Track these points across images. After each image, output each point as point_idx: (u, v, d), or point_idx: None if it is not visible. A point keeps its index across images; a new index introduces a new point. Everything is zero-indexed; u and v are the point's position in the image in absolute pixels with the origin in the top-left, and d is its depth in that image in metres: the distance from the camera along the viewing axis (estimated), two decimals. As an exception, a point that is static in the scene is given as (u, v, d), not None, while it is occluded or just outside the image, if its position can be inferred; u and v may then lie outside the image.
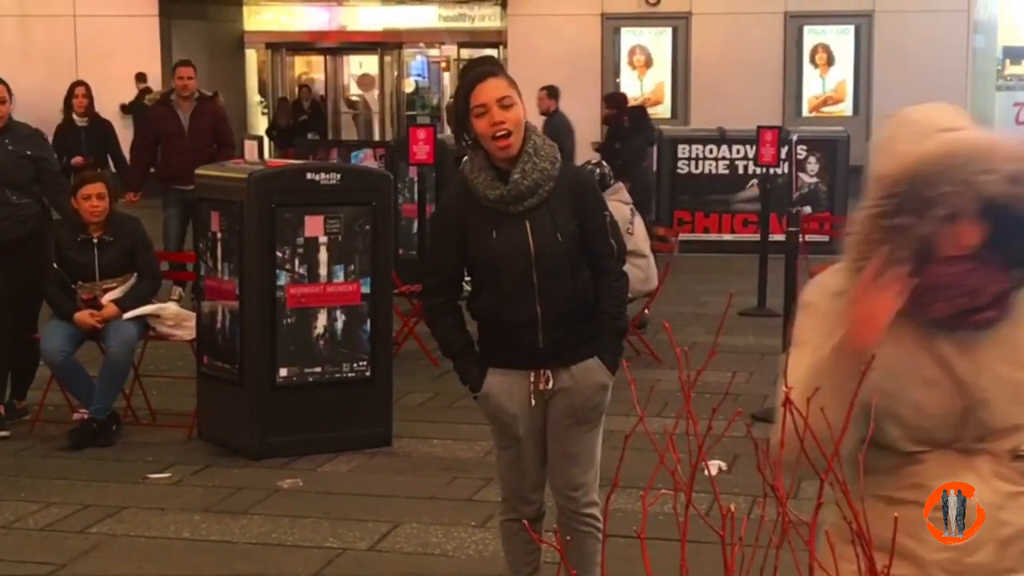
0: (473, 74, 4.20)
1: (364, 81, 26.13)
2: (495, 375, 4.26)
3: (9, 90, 7.76)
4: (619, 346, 4.29)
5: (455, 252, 4.24)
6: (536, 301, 4.15)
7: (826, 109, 22.21)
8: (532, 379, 4.24)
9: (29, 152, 7.69)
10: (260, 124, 25.24)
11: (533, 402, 4.26)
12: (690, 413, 1.70)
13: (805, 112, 22.13)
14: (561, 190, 4.19)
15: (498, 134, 4.10)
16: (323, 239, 6.97)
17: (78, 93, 11.77)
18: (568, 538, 4.31)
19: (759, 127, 12.69)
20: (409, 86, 26.32)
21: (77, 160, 10.94)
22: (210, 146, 11.18)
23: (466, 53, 26.31)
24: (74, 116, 11.91)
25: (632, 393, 2.11)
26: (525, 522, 4.26)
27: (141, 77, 21.41)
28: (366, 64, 26.59)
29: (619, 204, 8.61)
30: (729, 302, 4.51)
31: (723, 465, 6.59)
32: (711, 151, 15.70)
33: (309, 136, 20.82)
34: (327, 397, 7.02)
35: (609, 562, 3.44)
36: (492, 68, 4.24)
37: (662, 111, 22.37)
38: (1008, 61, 22.69)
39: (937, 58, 21.77)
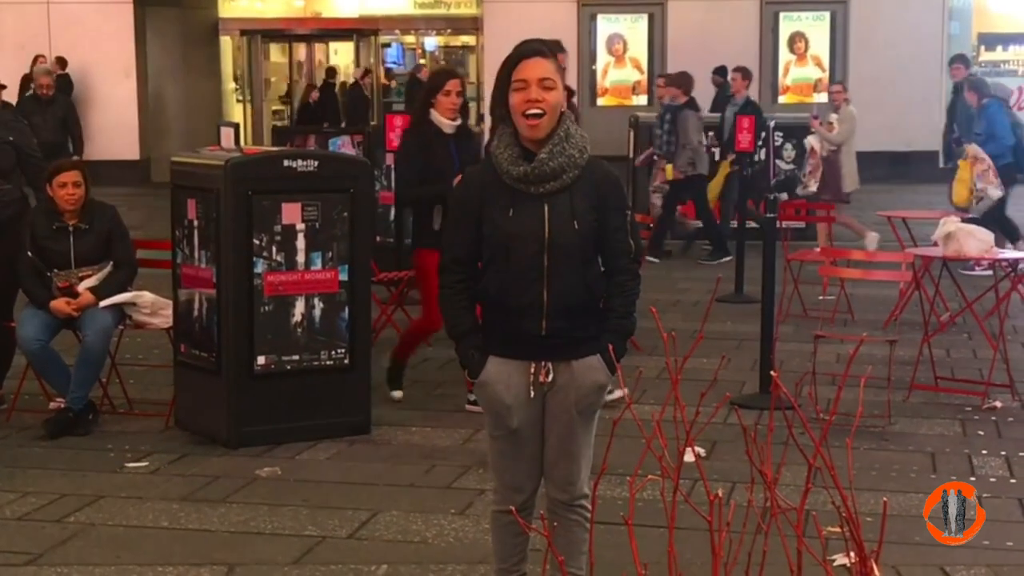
0: (522, 49, 4.18)
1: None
2: (495, 363, 4.20)
3: None
4: (622, 346, 4.21)
5: (473, 228, 4.18)
6: (544, 286, 4.10)
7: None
8: (532, 370, 4.19)
9: (11, 139, 7.68)
10: (235, 111, 25.13)
11: (532, 394, 4.20)
12: (678, 399, 1.70)
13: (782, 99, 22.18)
14: (586, 181, 4.15)
15: (530, 111, 4.08)
16: (300, 226, 6.94)
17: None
18: (556, 525, 4.29)
19: (736, 113, 12.68)
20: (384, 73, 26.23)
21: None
22: None
23: (442, 40, 26.31)
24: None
25: (619, 378, 2.11)
26: (512, 508, 4.23)
27: (60, 61, 20.86)
28: (341, 51, 26.50)
29: None
30: (716, 286, 4.49)
31: (702, 452, 6.60)
32: (688, 138, 15.66)
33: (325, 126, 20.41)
34: (305, 385, 6.99)
35: (595, 549, 3.42)
36: (542, 48, 4.19)
37: (638, 99, 22.41)
38: (983, 47, 22.75)
39: (912, 45, 21.82)
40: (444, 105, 7.44)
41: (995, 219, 11.86)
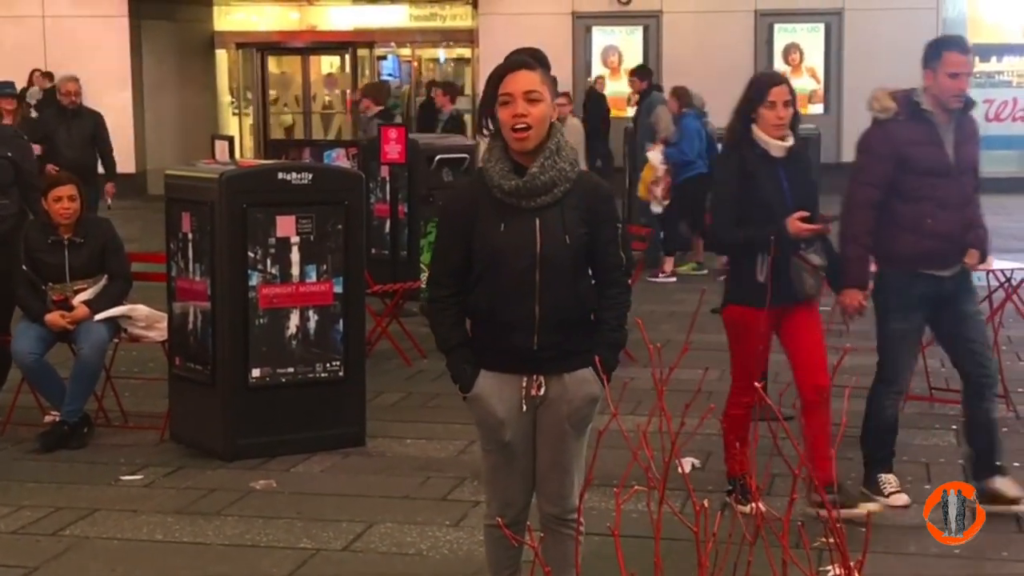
0: (506, 63, 4.19)
1: (329, 81, 26.12)
2: (486, 377, 4.19)
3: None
4: (614, 359, 4.18)
5: (462, 241, 4.17)
6: (535, 301, 4.09)
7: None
8: (524, 384, 4.18)
9: (10, 154, 7.73)
10: (231, 124, 25.15)
11: (524, 408, 4.19)
12: (663, 410, 1.71)
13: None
14: (576, 194, 4.15)
15: (517, 126, 4.09)
16: (295, 239, 6.95)
17: None
18: (547, 539, 4.29)
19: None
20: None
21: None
22: None
23: (437, 53, 26.33)
24: None
25: (606, 391, 2.12)
26: (499, 519, 4.22)
27: (49, 76, 20.45)
28: (337, 64, 26.52)
29: None
30: (701, 299, 4.47)
31: (696, 462, 6.60)
32: (683, 149, 15.68)
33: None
34: (300, 398, 7.00)
35: (583, 560, 3.45)
36: (528, 60, 4.20)
37: (633, 111, 22.43)
38: (977, 58, 22.80)
39: (907, 56, 21.76)
40: (769, 120, 5.84)
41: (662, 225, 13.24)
